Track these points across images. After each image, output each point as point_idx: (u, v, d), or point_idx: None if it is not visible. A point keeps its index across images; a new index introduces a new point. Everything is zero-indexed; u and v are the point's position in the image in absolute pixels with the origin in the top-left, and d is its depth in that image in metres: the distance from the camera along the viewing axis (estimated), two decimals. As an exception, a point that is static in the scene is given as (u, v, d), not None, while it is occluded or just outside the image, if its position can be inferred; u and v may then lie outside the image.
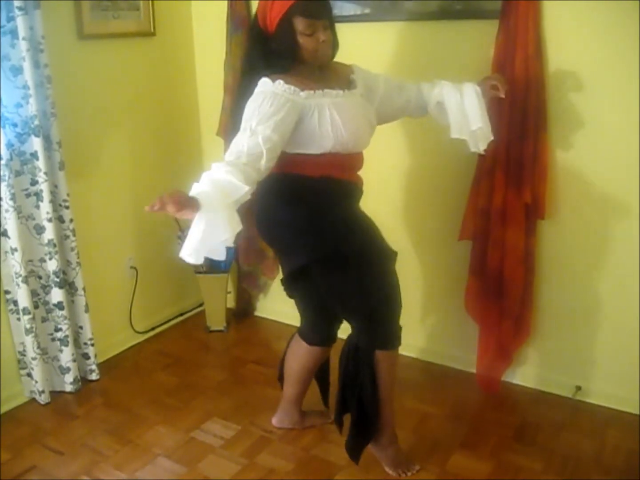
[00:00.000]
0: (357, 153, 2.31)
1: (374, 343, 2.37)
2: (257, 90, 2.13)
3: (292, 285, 2.46)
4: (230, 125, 2.28)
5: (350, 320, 2.42)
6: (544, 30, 2.60)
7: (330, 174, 2.24)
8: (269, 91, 2.10)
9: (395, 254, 2.39)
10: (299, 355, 2.62)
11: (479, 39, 2.76)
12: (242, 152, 1.98)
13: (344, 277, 2.30)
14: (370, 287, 2.31)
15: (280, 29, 2.14)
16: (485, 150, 2.46)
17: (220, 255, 1.86)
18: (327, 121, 2.15)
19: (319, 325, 2.56)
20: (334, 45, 2.26)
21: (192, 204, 1.77)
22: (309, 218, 2.29)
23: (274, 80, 2.11)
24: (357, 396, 2.41)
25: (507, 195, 2.74)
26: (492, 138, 2.43)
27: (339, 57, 2.34)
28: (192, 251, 1.79)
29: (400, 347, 3.22)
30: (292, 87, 2.11)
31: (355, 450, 2.48)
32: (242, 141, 2.01)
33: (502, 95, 2.47)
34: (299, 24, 2.12)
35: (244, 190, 1.87)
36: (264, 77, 2.14)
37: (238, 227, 1.86)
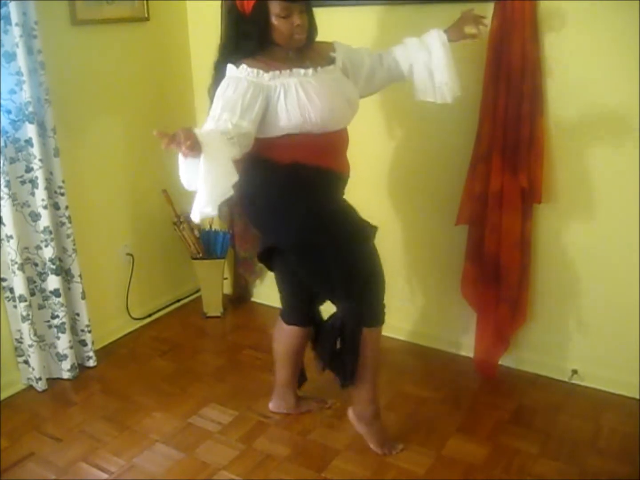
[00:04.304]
0: (333, 132, 2.27)
1: (362, 321, 2.38)
2: (226, 76, 2.16)
3: (265, 263, 2.55)
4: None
5: (336, 301, 2.43)
6: (541, 13, 2.58)
7: (300, 160, 2.24)
8: (232, 76, 2.13)
9: (374, 229, 2.37)
10: (282, 337, 2.66)
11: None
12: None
13: (321, 263, 2.31)
14: (353, 270, 2.31)
15: (255, 11, 2.14)
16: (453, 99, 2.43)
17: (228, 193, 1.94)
18: (294, 100, 2.15)
19: (297, 306, 2.59)
20: (312, 30, 2.26)
21: (198, 148, 1.87)
22: (278, 205, 2.30)
23: (238, 66, 2.14)
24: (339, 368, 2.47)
25: (503, 180, 2.73)
26: (459, 94, 2.43)
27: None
28: (206, 202, 1.89)
29: (398, 332, 3.26)
30: (256, 70, 2.13)
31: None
32: (209, 127, 2.04)
33: (479, 36, 2.49)
34: (275, 6, 2.12)
35: (233, 153, 2.00)
36: (229, 63, 2.16)
37: (236, 176, 1.98)
